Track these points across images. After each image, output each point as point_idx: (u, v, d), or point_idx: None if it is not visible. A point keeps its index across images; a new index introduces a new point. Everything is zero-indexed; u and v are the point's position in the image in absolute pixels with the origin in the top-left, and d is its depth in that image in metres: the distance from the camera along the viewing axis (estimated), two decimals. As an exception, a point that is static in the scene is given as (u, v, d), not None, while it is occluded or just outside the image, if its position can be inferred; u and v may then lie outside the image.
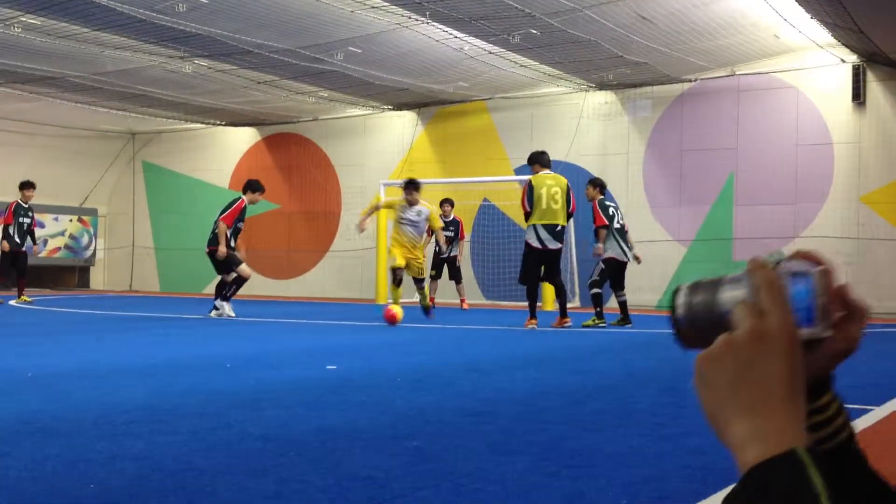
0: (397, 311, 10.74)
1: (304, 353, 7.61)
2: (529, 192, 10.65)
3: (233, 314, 11.76)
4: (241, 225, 12.10)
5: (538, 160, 10.93)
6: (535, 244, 10.58)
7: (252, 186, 12.19)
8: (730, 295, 0.73)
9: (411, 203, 11.63)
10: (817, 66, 14.04)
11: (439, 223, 12.14)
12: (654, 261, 14.91)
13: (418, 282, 11.82)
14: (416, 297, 12.19)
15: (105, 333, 9.48)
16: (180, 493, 2.85)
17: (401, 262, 11.52)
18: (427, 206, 11.90)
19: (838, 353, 0.76)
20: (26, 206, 15.38)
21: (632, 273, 14.38)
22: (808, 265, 0.74)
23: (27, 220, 15.42)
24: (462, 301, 15.05)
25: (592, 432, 4.04)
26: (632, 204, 15.38)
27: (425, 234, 11.79)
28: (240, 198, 12.15)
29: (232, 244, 11.89)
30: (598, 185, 11.33)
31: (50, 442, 3.60)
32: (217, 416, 4.27)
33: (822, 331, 0.73)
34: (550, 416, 4.54)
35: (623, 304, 11.14)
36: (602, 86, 15.67)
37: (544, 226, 10.59)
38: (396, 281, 11.56)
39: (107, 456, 3.36)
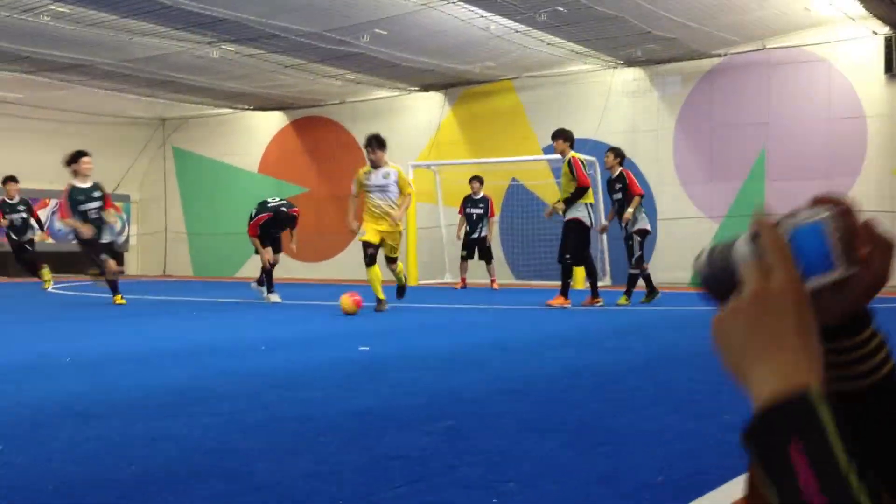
0: (346, 304, 9.48)
1: (335, 335, 7.66)
2: (582, 167, 10.63)
3: (279, 300, 11.65)
4: (273, 231, 11.85)
5: (571, 138, 10.85)
6: (587, 222, 10.61)
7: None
8: (741, 252, 0.78)
9: (375, 164, 10.18)
10: (848, 39, 13.84)
11: (410, 188, 10.37)
12: (685, 238, 14.82)
13: (391, 261, 10.36)
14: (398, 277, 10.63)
15: (139, 318, 9.59)
16: (219, 473, 2.89)
17: (372, 237, 10.02)
18: (395, 166, 10.40)
19: (869, 288, 0.79)
20: (13, 201, 14.81)
21: (663, 250, 14.31)
22: (819, 210, 0.76)
23: (17, 216, 14.81)
24: (492, 281, 15.05)
25: (626, 411, 4.05)
26: (662, 181, 15.29)
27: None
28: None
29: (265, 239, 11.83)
30: (619, 154, 11.25)
31: (90, 425, 3.66)
32: (253, 398, 4.32)
33: (845, 271, 0.75)
34: (583, 394, 4.55)
35: (647, 278, 11.11)
36: (630, 62, 15.55)
37: (592, 205, 10.74)
38: (367, 258, 10.06)
39: (146, 437, 3.41)
